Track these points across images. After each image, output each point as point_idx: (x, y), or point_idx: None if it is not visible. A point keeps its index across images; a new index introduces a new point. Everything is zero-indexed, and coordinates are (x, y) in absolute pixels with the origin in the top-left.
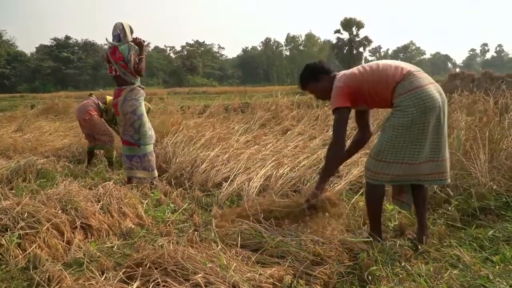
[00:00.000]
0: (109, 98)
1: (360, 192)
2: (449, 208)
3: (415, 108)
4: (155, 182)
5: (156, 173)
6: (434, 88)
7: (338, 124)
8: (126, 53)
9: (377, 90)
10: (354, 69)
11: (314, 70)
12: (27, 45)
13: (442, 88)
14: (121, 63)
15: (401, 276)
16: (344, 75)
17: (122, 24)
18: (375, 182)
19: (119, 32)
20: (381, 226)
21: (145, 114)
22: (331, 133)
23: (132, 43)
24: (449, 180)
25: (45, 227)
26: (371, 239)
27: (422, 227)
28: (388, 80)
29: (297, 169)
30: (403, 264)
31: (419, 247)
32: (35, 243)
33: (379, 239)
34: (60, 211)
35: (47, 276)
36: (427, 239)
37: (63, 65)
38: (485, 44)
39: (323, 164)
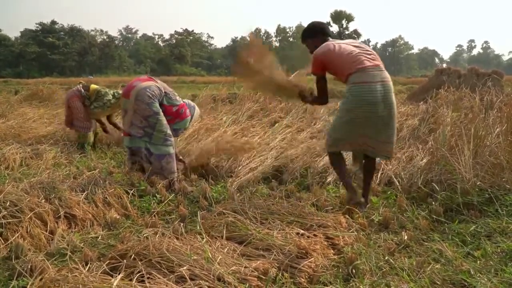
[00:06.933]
0: (93, 86)
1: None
2: (433, 203)
3: (354, 98)
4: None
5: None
6: (380, 87)
7: (315, 84)
8: (171, 109)
9: (337, 72)
10: (330, 44)
11: (313, 28)
12: (11, 29)
13: (429, 83)
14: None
15: (384, 270)
16: (322, 47)
17: None
18: (329, 150)
19: None
20: (349, 181)
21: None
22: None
23: None
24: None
25: (28, 217)
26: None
27: (367, 192)
28: (344, 69)
29: None
30: (386, 258)
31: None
32: (17, 233)
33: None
34: (43, 200)
35: (29, 266)
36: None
37: (48, 51)
38: (472, 40)
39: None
